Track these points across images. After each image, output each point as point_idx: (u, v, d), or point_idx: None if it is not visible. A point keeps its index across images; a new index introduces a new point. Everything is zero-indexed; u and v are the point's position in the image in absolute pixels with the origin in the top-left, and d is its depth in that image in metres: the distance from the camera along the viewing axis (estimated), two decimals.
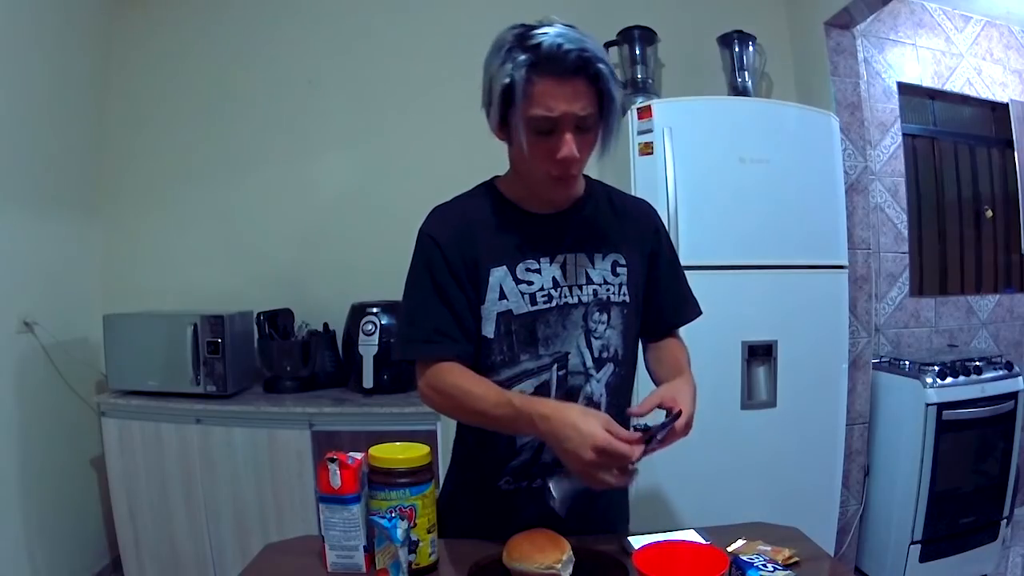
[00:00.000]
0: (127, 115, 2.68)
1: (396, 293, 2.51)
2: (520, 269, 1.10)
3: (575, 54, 0.95)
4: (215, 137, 2.69)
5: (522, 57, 0.96)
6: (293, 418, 2.17)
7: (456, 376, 1.06)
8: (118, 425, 2.23)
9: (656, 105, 2.10)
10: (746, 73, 2.54)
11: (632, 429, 0.97)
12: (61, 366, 2.37)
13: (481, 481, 1.17)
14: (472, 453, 1.20)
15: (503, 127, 1.04)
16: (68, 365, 2.39)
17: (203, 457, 2.19)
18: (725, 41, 2.57)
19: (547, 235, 1.12)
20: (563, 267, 1.12)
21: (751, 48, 2.55)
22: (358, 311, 2.33)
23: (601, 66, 0.97)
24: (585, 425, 0.92)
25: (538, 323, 1.10)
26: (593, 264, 1.14)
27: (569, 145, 0.99)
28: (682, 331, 1.28)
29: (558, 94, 0.96)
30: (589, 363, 1.13)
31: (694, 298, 1.27)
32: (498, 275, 1.09)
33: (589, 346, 1.13)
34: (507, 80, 0.97)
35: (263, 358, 2.45)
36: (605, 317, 1.13)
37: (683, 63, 2.68)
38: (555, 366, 1.11)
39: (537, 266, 1.11)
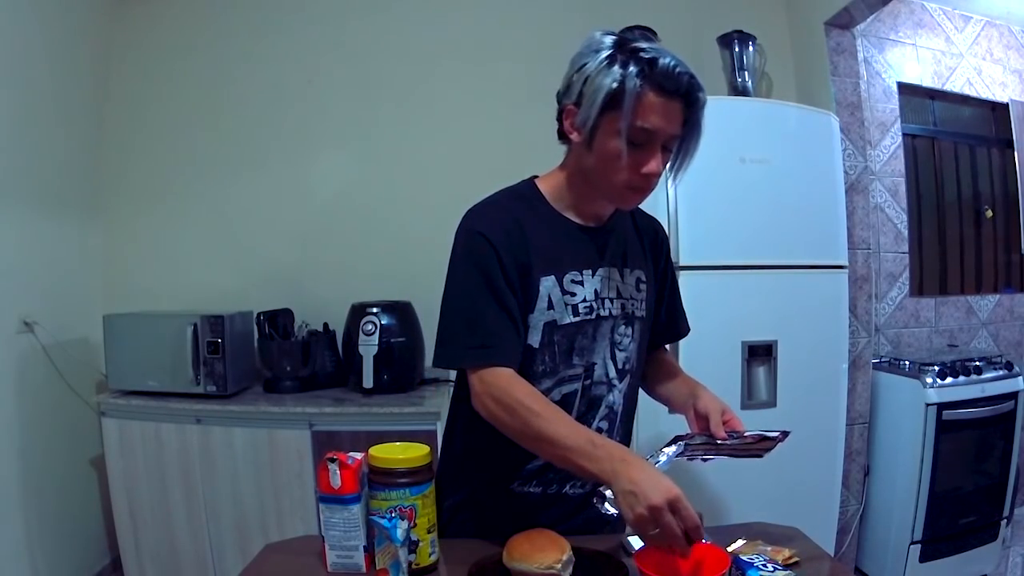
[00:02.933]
0: (127, 115, 2.68)
1: (396, 293, 2.53)
2: (567, 280, 1.10)
3: (687, 78, 0.99)
4: (215, 137, 2.69)
5: (634, 68, 0.98)
6: (293, 418, 2.17)
7: (522, 392, 1.00)
8: (118, 425, 2.23)
9: None
10: (746, 73, 2.54)
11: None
12: (61, 366, 2.37)
13: (492, 483, 1.16)
14: (486, 456, 1.17)
15: (587, 128, 1.03)
16: (68, 365, 2.39)
17: (203, 457, 2.19)
18: (725, 41, 2.57)
19: (590, 248, 1.13)
20: (601, 280, 1.13)
21: (751, 48, 2.55)
22: (358, 311, 2.33)
23: (701, 95, 1.01)
24: (664, 478, 0.90)
25: (577, 334, 1.11)
26: (622, 279, 1.16)
27: (658, 161, 1.02)
28: None
29: (662, 111, 0.99)
30: (612, 374, 1.14)
31: (685, 316, 1.33)
32: (547, 284, 1.08)
33: (614, 358, 1.14)
34: (615, 85, 0.98)
35: (263, 358, 2.45)
36: (630, 331, 1.16)
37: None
38: (583, 376, 1.12)
39: (580, 278, 1.11)
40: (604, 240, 1.15)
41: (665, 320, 1.27)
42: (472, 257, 1.05)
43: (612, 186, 1.05)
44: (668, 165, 1.07)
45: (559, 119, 1.09)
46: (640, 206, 1.25)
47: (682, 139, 1.04)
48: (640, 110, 0.98)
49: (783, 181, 2.15)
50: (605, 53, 1.00)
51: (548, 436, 0.97)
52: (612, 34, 1.03)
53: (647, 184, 1.04)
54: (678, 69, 0.98)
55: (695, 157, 1.08)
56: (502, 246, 1.05)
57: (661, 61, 0.97)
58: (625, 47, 1.00)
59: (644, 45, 1.00)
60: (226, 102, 2.69)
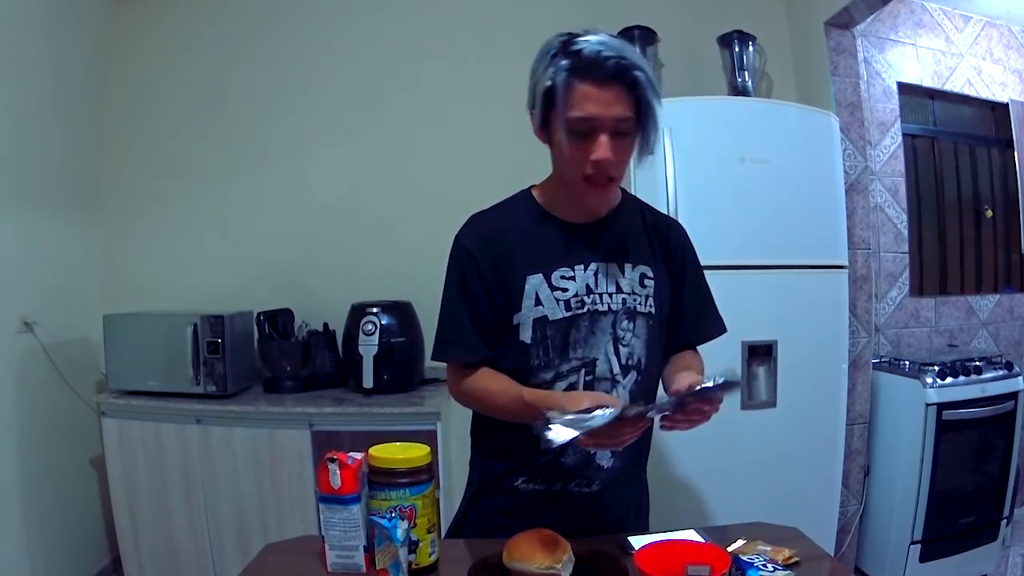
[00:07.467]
0: (127, 115, 2.69)
1: (396, 293, 2.53)
2: (555, 276, 1.13)
3: (613, 61, 1.00)
4: (215, 137, 2.69)
5: (564, 62, 1.01)
6: (293, 418, 2.17)
7: (479, 379, 1.14)
8: (118, 425, 2.23)
9: None
10: (746, 73, 2.54)
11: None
12: (61, 366, 2.37)
13: (500, 480, 1.19)
14: (492, 453, 1.22)
15: (544, 129, 1.08)
16: (68, 365, 2.39)
17: (203, 457, 2.19)
18: (725, 41, 2.57)
19: (581, 244, 1.15)
20: (595, 275, 1.15)
21: (751, 48, 2.55)
22: (358, 311, 2.33)
23: (638, 74, 1.01)
24: (578, 393, 1.05)
25: (571, 328, 1.12)
26: (623, 274, 1.17)
27: (603, 147, 1.02)
28: None
29: (596, 98, 1.01)
30: (616, 369, 1.15)
31: (718, 316, 1.30)
32: (534, 282, 1.12)
33: (617, 353, 1.15)
34: (548, 83, 1.03)
35: (263, 358, 2.45)
36: (631, 326, 1.16)
37: (683, 63, 2.68)
38: (583, 370, 1.13)
39: (572, 273, 1.14)
40: (599, 235, 1.17)
41: (691, 320, 1.26)
42: (455, 265, 1.17)
43: (573, 180, 1.09)
44: (634, 151, 1.08)
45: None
46: (655, 207, 1.29)
47: (639, 122, 1.05)
48: (573, 101, 1.01)
49: (783, 181, 2.15)
50: (550, 54, 1.03)
51: (499, 409, 1.12)
52: (564, 34, 1.05)
53: (601, 172, 1.05)
54: (603, 53, 0.99)
55: (656, 137, 1.07)
56: (480, 252, 1.14)
57: (586, 50, 1.00)
58: (565, 43, 1.02)
59: (581, 38, 1.02)
60: (226, 102, 2.69)
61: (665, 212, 1.99)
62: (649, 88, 1.02)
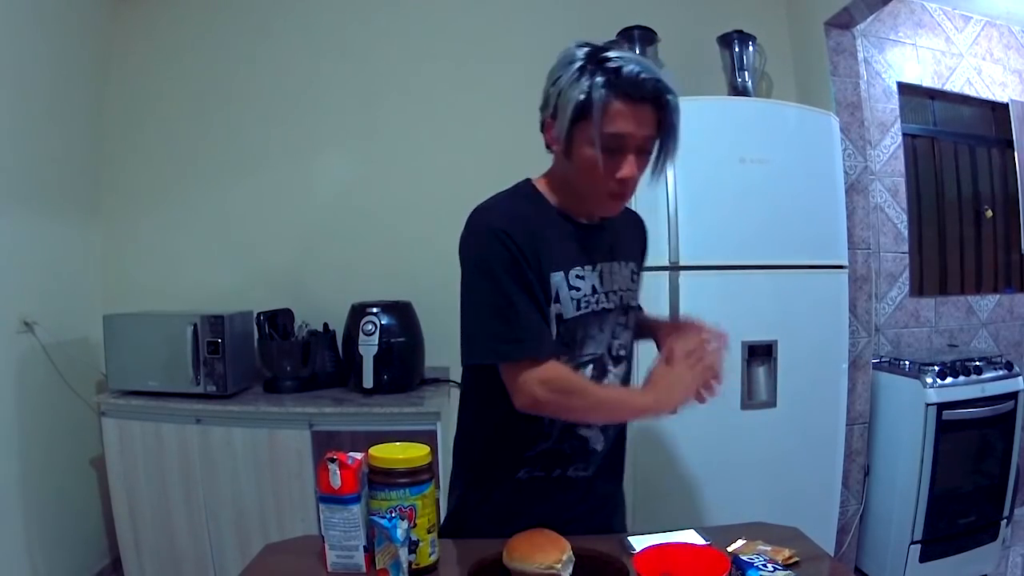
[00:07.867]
0: (127, 115, 2.68)
1: (396, 293, 2.53)
2: (572, 275, 1.14)
3: (652, 83, 1.02)
4: (215, 137, 2.69)
5: (600, 78, 1.01)
6: (293, 418, 2.17)
7: (574, 376, 1.10)
8: (118, 425, 2.22)
9: None
10: (746, 73, 2.54)
11: None
12: (61, 366, 2.37)
13: (498, 476, 1.19)
14: (489, 449, 1.21)
15: (566, 138, 1.07)
16: (68, 365, 2.39)
17: (203, 457, 2.19)
18: (725, 41, 2.57)
19: (591, 244, 1.18)
20: (600, 275, 1.17)
21: (751, 48, 2.55)
22: (358, 311, 2.32)
23: (670, 97, 1.04)
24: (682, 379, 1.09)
25: (579, 327, 1.14)
26: (619, 272, 1.22)
27: (631, 166, 1.05)
28: None
29: (630, 116, 1.03)
30: (608, 362, 1.20)
31: None
32: (556, 280, 1.13)
33: (610, 347, 1.20)
34: (582, 97, 1.02)
35: (263, 358, 2.45)
36: (625, 320, 1.22)
37: (683, 63, 2.68)
38: (591, 366, 1.17)
39: (583, 273, 1.15)
40: (599, 237, 1.20)
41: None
42: (497, 255, 1.06)
43: (593, 194, 1.10)
44: (650, 167, 1.11)
45: (542, 131, 1.13)
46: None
47: (660, 141, 1.08)
48: (608, 118, 1.02)
49: (783, 181, 2.15)
50: (576, 65, 1.04)
51: (616, 403, 1.12)
52: (586, 45, 1.06)
53: (624, 189, 1.09)
54: (643, 75, 1.01)
55: (676, 157, 1.11)
56: (522, 242, 1.07)
57: (626, 69, 1.01)
58: (595, 57, 1.03)
59: (612, 54, 1.03)
60: (226, 102, 2.69)
61: (665, 212, 2.03)
62: (676, 112, 1.06)
